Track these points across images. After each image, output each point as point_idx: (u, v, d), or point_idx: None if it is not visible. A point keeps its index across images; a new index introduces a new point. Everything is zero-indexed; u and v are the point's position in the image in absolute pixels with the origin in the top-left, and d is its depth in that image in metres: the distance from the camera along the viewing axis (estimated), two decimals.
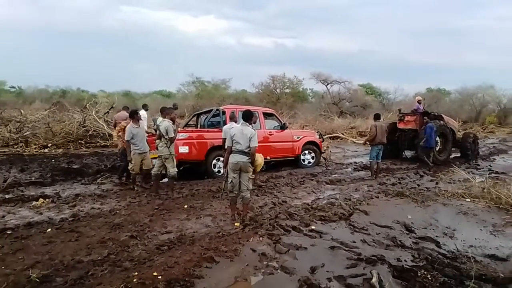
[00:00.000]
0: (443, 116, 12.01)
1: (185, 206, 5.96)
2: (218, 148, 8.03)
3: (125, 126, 7.65)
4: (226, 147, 5.45)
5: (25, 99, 31.66)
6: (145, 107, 11.44)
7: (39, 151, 12.54)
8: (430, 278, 3.41)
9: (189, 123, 11.14)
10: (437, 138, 11.47)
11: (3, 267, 3.57)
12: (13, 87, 40.19)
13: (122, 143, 7.77)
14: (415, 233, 4.88)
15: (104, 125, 15.01)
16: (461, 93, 35.91)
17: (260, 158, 6.67)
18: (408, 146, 12.00)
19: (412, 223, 5.25)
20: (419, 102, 12.78)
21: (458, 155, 12.74)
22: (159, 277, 3.31)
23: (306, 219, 5.24)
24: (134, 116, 7.28)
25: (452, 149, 12.16)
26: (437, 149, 11.46)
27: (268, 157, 9.42)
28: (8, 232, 4.64)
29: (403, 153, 12.34)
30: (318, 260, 3.83)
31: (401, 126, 11.89)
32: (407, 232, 4.91)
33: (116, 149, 9.02)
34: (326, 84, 35.79)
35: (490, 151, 15.06)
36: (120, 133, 7.94)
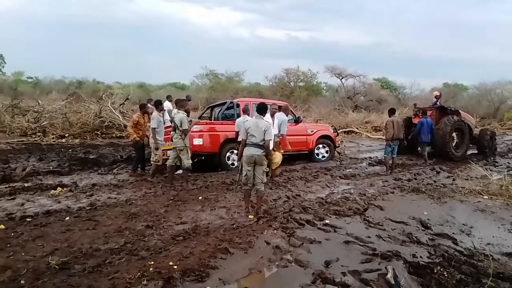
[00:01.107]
0: (460, 111, 11.75)
1: (200, 198, 6.01)
2: (232, 141, 8.03)
3: (137, 121, 7.79)
4: (240, 140, 5.44)
5: (42, 90, 32.17)
6: (169, 98, 11.54)
7: (57, 141, 12.79)
8: (446, 275, 3.36)
9: (203, 116, 11.18)
10: (453, 134, 11.27)
11: (23, 254, 3.65)
12: (31, 78, 41.07)
13: (136, 136, 7.86)
14: (431, 230, 4.82)
15: (120, 116, 15.18)
16: (479, 88, 35.07)
17: (278, 157, 6.73)
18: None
19: (428, 219, 5.18)
20: (436, 97, 12.56)
21: (475, 151, 12.50)
22: (175, 267, 3.35)
23: (320, 213, 5.23)
24: (158, 106, 7.49)
25: (469, 145, 11.92)
26: (453, 144, 11.27)
27: (282, 151, 9.38)
28: (28, 219, 4.75)
29: (418, 149, 12.15)
30: (332, 254, 3.82)
31: (416, 121, 11.69)
32: (423, 229, 4.85)
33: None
34: (340, 77, 35.45)
35: (508, 148, 14.73)
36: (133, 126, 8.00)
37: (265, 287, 3.13)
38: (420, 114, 11.14)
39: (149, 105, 10.48)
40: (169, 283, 3.09)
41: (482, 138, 12.07)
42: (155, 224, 4.64)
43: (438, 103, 12.18)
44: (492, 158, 11.70)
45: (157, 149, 7.49)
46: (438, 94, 12.90)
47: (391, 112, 9.02)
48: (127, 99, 16.88)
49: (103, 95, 16.67)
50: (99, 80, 39.72)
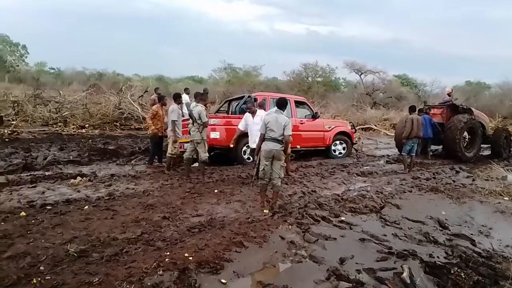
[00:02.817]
0: (473, 109, 11.26)
1: (216, 191, 6.05)
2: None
3: (157, 111, 7.88)
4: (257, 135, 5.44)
5: (64, 81, 32.81)
6: (186, 90, 11.63)
7: (77, 131, 13.05)
8: (463, 276, 3.31)
9: (220, 109, 11.21)
10: (465, 133, 10.94)
11: (43, 241, 3.74)
12: (53, 69, 41.94)
13: (155, 128, 7.95)
14: (449, 230, 4.74)
15: (139, 108, 15.37)
16: (501, 87, 33.97)
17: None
18: (433, 141, 11.15)
19: (446, 219, 5.10)
20: (449, 94, 12.20)
21: (489, 152, 12.10)
22: (190, 258, 3.39)
23: (336, 210, 5.20)
24: (177, 99, 7.62)
25: (481, 145, 11.44)
26: (464, 144, 10.91)
27: (298, 146, 9.36)
28: (48, 207, 4.86)
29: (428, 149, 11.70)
30: (347, 252, 3.80)
31: None
32: (440, 228, 4.78)
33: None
34: (359, 73, 34.98)
35: None
36: (153, 118, 8.07)
37: (279, 282, 3.13)
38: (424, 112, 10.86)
39: (154, 95, 10.63)
40: (184, 274, 3.12)
41: (497, 138, 11.56)
42: (172, 215, 4.69)
43: (450, 100, 11.81)
44: (506, 159, 11.20)
45: (175, 141, 7.56)
46: (450, 90, 12.51)
47: (411, 109, 8.84)
48: (146, 91, 17.05)
49: (123, 87, 16.90)
50: (119, 72, 40.29)
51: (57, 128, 13.02)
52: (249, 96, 9.25)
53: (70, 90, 20.97)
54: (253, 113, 6.83)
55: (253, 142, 6.62)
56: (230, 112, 10.18)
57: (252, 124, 6.74)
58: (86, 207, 4.94)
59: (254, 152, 6.15)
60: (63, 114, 14.11)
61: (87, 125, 13.82)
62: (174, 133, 7.48)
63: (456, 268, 3.46)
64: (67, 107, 14.56)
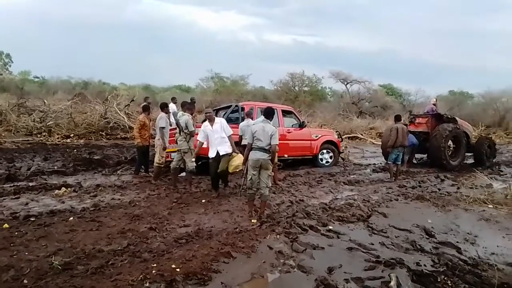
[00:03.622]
0: (457, 119, 11.44)
1: (203, 201, 6.02)
2: (236, 144, 8.01)
3: (144, 122, 7.80)
4: (244, 143, 5.43)
5: (48, 89, 32.27)
6: (174, 99, 11.58)
7: (62, 141, 12.88)
8: (450, 284, 3.34)
9: None
10: (450, 142, 11.11)
11: (26, 253, 3.66)
12: (37, 77, 41.46)
13: (141, 139, 7.86)
14: (435, 238, 4.78)
15: (125, 117, 15.25)
16: (484, 96, 34.80)
17: (238, 160, 6.18)
18: (418, 149, 11.39)
19: (432, 227, 5.14)
20: (434, 104, 12.42)
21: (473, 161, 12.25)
22: (177, 270, 3.34)
23: (324, 219, 5.21)
24: (164, 108, 7.60)
25: (466, 154, 11.63)
26: (449, 153, 11.09)
27: (286, 155, 9.39)
28: (32, 219, 4.76)
29: (413, 157, 11.73)
30: (335, 261, 3.80)
31: (411, 128, 11.36)
32: (427, 237, 4.82)
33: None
34: (345, 83, 35.40)
35: None
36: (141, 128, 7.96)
37: None
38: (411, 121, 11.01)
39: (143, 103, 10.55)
40: (171, 286, 3.08)
41: (480, 146, 11.73)
42: (158, 226, 4.64)
43: (435, 109, 12.00)
44: (489, 167, 11.39)
45: (164, 149, 7.51)
46: (435, 101, 12.75)
47: (397, 119, 8.96)
48: (133, 100, 16.94)
49: (109, 96, 16.76)
50: (105, 81, 39.96)
51: (41, 138, 12.83)
52: (236, 105, 9.28)
53: (55, 99, 20.66)
54: (211, 121, 6.39)
55: (213, 152, 6.33)
56: None
57: (212, 133, 6.30)
58: (71, 218, 4.85)
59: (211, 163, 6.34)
60: (47, 124, 13.91)
61: (72, 135, 13.65)
62: (163, 141, 7.44)
63: (442, 276, 3.49)
64: (51, 117, 14.34)
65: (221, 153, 6.22)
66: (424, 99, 34.76)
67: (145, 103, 10.65)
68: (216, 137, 6.20)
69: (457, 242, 4.68)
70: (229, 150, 6.27)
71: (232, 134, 7.81)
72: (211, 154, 6.36)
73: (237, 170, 6.33)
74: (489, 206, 6.48)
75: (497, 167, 11.57)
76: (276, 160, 6.94)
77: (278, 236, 4.44)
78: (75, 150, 10.99)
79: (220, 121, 6.40)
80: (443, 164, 10.56)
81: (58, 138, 13.06)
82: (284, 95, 33.36)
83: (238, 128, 7.46)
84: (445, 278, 3.45)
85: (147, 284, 3.06)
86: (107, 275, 3.27)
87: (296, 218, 5.21)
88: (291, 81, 35.53)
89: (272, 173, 5.73)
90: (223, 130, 6.28)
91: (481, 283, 3.46)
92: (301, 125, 9.86)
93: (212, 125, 6.30)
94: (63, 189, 6.35)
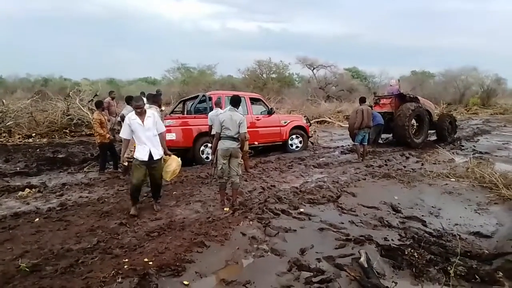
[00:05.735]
0: (419, 98, 11.90)
1: (174, 193, 5.96)
2: (205, 134, 7.96)
3: (100, 119, 7.46)
4: (214, 133, 5.37)
5: (6, 89, 30.83)
6: (142, 94, 11.28)
7: (23, 141, 12.33)
8: (416, 256, 3.49)
9: (175, 110, 11.04)
10: (413, 121, 11.50)
11: None
12: None
13: (100, 137, 7.58)
14: (402, 213, 4.98)
15: (89, 113, 14.75)
16: (445, 75, 36.24)
17: (175, 163, 5.29)
18: (384, 129, 11.60)
19: (398, 203, 5.35)
20: (391, 85, 12.75)
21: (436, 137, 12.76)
22: (150, 263, 3.33)
23: (295, 202, 5.30)
24: (129, 102, 7.38)
25: (429, 132, 12.12)
26: (412, 131, 11.49)
27: (256, 143, 9.42)
28: None
29: (379, 137, 11.99)
30: (307, 242, 3.89)
31: (376, 109, 11.71)
32: (394, 212, 5.02)
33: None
34: (312, 68, 35.86)
35: (474, 132, 15.32)
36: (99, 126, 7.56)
37: (242, 278, 3.14)
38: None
39: (106, 99, 10.24)
40: (144, 279, 3.06)
41: (442, 123, 12.24)
42: (129, 221, 4.57)
43: (397, 90, 12.35)
44: (451, 143, 11.93)
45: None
46: (395, 82, 13.06)
47: (362, 101, 9.14)
48: (96, 95, 16.38)
49: (71, 92, 16.14)
50: (66, 77, 38.55)
51: (1, 139, 12.23)
52: (203, 95, 9.19)
53: (14, 98, 19.69)
54: (142, 114, 4.86)
55: (144, 154, 4.85)
56: (185, 112, 10.06)
57: (142, 129, 4.82)
58: (37, 219, 4.69)
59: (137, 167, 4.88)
60: (7, 124, 13.23)
61: (34, 134, 13.07)
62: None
63: (409, 249, 3.63)
64: (11, 116, 13.65)
65: (155, 157, 4.92)
66: (388, 81, 35.67)
67: (108, 98, 10.35)
68: (148, 135, 4.84)
69: (422, 215, 4.90)
70: (162, 152, 5.12)
71: (203, 125, 7.72)
72: (141, 156, 4.85)
73: (174, 176, 5.45)
74: (452, 179, 6.79)
75: (458, 142, 12.11)
76: (246, 147, 6.96)
77: (251, 222, 4.49)
78: (38, 150, 10.55)
79: (152, 114, 4.99)
80: (407, 142, 10.93)
81: (19, 138, 12.50)
82: (252, 83, 33.39)
83: (207, 118, 7.38)
84: (412, 251, 3.59)
85: (120, 280, 3.03)
86: (78, 273, 3.20)
87: (268, 203, 5.27)
88: (258, 68, 35.62)
89: (242, 160, 5.74)
90: (155, 126, 4.98)
91: (446, 252, 3.63)
92: (270, 112, 9.90)
93: (142, 120, 4.83)
94: (27, 190, 6.11)
